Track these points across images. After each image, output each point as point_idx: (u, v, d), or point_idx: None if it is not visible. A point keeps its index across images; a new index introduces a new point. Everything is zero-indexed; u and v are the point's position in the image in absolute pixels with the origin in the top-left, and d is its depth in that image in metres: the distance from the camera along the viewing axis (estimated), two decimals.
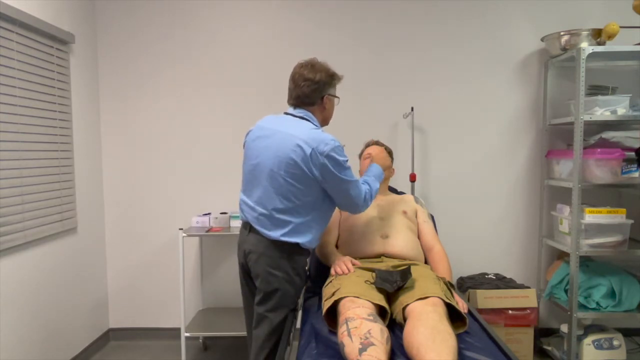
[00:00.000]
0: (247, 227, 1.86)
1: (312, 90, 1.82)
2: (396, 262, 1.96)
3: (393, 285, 1.68)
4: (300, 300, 2.01)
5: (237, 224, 2.81)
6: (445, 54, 2.97)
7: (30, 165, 2.32)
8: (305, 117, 1.83)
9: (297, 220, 1.78)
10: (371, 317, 1.50)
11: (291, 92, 1.86)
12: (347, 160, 1.78)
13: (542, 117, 2.96)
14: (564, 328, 2.65)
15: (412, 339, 1.43)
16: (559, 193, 2.96)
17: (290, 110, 1.88)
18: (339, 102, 1.97)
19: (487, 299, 2.62)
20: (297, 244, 1.79)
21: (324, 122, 1.93)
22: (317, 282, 2.19)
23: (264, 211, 1.78)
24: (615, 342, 2.59)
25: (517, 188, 3.02)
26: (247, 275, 1.92)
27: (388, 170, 2.33)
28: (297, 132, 1.74)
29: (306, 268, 1.94)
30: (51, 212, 2.47)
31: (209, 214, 2.92)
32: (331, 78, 1.86)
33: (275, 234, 1.77)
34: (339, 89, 2.97)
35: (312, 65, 1.84)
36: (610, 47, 2.48)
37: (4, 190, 2.13)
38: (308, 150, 1.70)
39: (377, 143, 2.42)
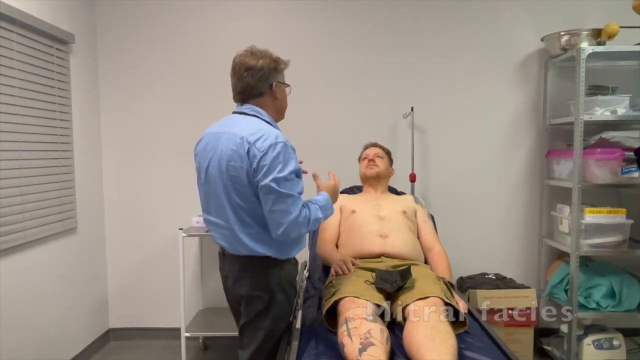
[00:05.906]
0: (221, 249, 1.72)
1: (257, 79, 1.61)
2: (396, 262, 1.96)
3: (393, 285, 1.69)
4: (300, 301, 2.00)
5: None
6: (445, 53, 2.96)
7: (30, 165, 2.32)
8: (254, 113, 1.63)
9: (260, 230, 1.57)
10: (371, 317, 1.50)
11: (235, 86, 1.66)
12: (292, 171, 1.50)
13: (542, 117, 2.96)
14: (564, 328, 2.65)
15: (412, 338, 1.43)
16: (559, 193, 2.95)
17: (238, 107, 1.68)
18: (290, 91, 1.76)
19: (487, 299, 2.62)
20: (268, 257, 1.59)
21: (277, 114, 1.71)
22: (317, 282, 2.19)
23: (224, 224, 1.60)
24: (615, 342, 2.59)
25: (517, 188, 3.02)
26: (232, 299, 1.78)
27: (386, 171, 2.34)
28: (241, 129, 1.54)
29: (295, 281, 1.73)
30: (51, 212, 2.47)
31: None
32: (276, 63, 1.66)
33: (243, 249, 1.59)
34: (346, 88, 2.98)
35: (251, 53, 1.64)
36: (610, 47, 2.48)
37: (4, 190, 2.13)
38: (246, 147, 1.50)
39: (375, 145, 2.43)
